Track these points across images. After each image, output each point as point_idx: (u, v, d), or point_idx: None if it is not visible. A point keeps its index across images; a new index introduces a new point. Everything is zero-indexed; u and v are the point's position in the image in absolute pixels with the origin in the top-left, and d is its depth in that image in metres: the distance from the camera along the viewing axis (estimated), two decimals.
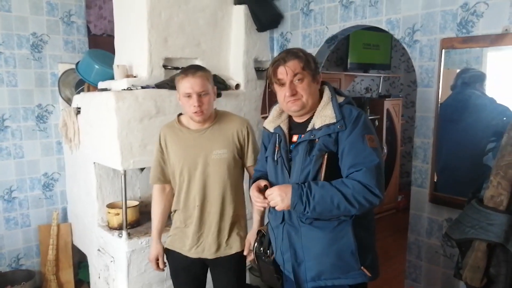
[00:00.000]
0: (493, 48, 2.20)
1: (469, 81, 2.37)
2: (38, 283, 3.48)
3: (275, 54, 3.48)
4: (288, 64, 1.60)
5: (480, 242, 1.75)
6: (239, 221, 2.14)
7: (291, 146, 1.69)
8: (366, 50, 5.13)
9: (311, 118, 1.67)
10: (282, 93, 1.64)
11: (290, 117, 1.77)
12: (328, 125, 1.58)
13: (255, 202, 1.69)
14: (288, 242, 1.68)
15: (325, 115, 1.61)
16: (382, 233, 4.68)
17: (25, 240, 3.46)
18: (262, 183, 1.71)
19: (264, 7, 3.27)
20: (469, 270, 1.80)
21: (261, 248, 1.90)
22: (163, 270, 2.20)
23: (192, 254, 2.08)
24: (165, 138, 2.07)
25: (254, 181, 1.77)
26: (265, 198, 1.63)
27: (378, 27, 2.72)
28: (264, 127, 1.85)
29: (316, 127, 1.61)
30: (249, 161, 2.11)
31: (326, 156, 1.57)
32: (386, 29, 2.65)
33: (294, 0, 3.24)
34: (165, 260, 2.19)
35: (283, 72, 1.61)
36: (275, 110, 1.81)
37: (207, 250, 2.07)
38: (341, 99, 1.67)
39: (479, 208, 1.79)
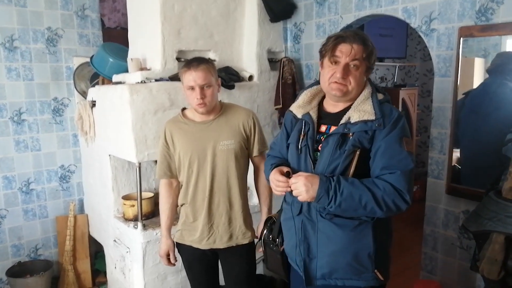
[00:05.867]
0: None
1: (499, 69, 2.29)
2: (56, 273, 3.55)
3: (289, 44, 3.45)
4: (354, 46, 1.49)
5: (498, 234, 1.72)
6: (248, 210, 2.16)
7: (318, 136, 1.61)
8: None
9: (345, 109, 1.58)
10: (330, 71, 1.53)
11: (320, 104, 1.69)
12: (365, 121, 1.49)
13: (276, 186, 1.59)
14: (302, 235, 1.61)
15: (363, 110, 1.52)
16: (397, 224, 4.56)
17: (43, 231, 3.53)
18: (285, 169, 1.63)
19: None
20: (486, 262, 1.77)
21: (270, 236, 1.84)
22: (174, 265, 2.23)
23: (204, 245, 2.09)
24: (171, 133, 2.08)
25: (274, 167, 1.68)
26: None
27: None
28: (290, 111, 1.75)
29: (352, 121, 1.52)
30: (255, 151, 2.13)
31: (358, 153, 1.50)
32: (402, 18, 2.60)
33: None
34: (176, 255, 2.21)
35: (344, 51, 1.49)
36: (305, 94, 1.70)
37: (218, 240, 2.08)
38: (380, 97, 1.58)
39: (497, 200, 1.76)
